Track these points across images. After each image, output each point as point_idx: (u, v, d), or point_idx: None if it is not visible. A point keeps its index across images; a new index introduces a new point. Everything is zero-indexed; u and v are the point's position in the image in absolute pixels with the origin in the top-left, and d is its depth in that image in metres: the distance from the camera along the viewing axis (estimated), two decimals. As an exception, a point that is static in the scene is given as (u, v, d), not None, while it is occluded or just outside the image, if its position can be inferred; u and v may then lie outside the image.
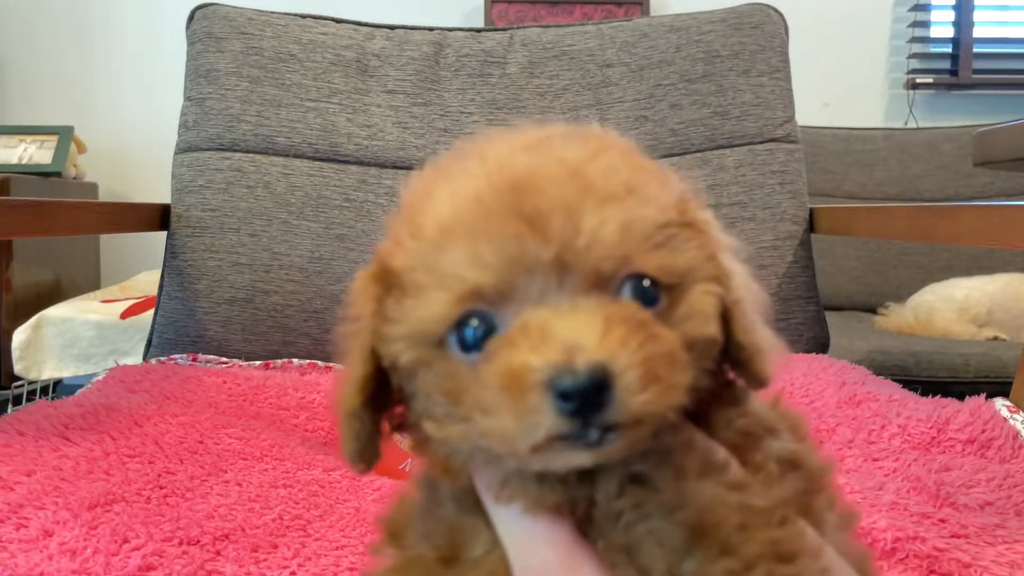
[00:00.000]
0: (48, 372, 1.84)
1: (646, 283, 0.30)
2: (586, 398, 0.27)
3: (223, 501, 0.69)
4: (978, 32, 2.90)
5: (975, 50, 2.88)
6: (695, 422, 0.33)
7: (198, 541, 0.61)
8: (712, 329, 0.32)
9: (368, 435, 0.34)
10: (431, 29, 1.43)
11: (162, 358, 1.25)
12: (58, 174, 2.41)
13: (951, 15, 2.90)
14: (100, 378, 1.08)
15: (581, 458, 0.29)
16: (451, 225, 0.31)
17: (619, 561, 0.31)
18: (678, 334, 0.30)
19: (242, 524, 0.65)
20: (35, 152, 2.43)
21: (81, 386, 1.06)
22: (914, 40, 2.86)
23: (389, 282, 0.33)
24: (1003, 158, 1.21)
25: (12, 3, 2.75)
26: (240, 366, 1.21)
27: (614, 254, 0.30)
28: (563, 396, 0.27)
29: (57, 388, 1.89)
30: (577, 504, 0.32)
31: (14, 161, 2.41)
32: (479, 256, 0.29)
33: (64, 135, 2.46)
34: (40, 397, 1.89)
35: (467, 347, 0.30)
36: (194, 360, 1.24)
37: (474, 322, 0.30)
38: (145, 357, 1.33)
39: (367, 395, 0.34)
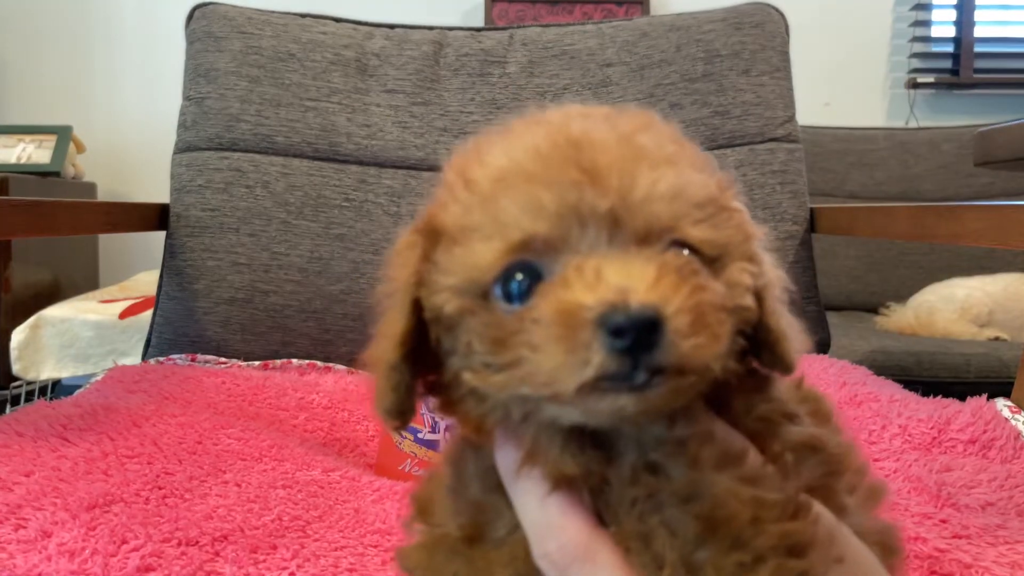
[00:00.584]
0: (47, 372, 1.84)
1: (687, 251, 0.31)
2: (637, 337, 0.28)
3: (222, 502, 0.69)
4: (979, 32, 2.90)
5: (976, 50, 2.88)
6: (717, 409, 0.34)
7: (197, 542, 0.61)
8: (749, 301, 0.33)
9: (406, 389, 0.34)
10: (431, 28, 1.42)
11: (161, 358, 1.25)
12: (57, 174, 2.41)
13: (952, 14, 2.90)
14: (99, 378, 1.08)
15: (625, 402, 0.29)
16: (508, 174, 0.31)
17: (634, 547, 0.32)
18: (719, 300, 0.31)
19: (241, 525, 0.65)
20: (34, 152, 2.43)
21: (80, 386, 1.06)
22: (915, 39, 2.86)
23: (436, 236, 0.33)
24: (1004, 158, 1.21)
25: (11, 3, 2.74)
26: (239, 366, 1.21)
27: (666, 212, 0.31)
28: (615, 333, 0.28)
29: (56, 388, 1.89)
30: (594, 480, 0.33)
31: (12, 161, 2.41)
32: (537, 201, 0.30)
33: (63, 135, 2.46)
34: (39, 397, 1.88)
35: (512, 298, 0.31)
36: (193, 360, 1.24)
37: (520, 275, 0.31)
38: (144, 357, 1.33)
39: (408, 349, 0.34)
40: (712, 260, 0.32)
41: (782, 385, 0.37)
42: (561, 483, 0.33)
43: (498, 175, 0.32)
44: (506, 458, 0.34)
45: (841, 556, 0.32)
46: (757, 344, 0.34)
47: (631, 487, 0.32)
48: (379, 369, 0.34)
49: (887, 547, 0.39)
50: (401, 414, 0.35)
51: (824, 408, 0.38)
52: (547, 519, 0.33)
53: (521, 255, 0.31)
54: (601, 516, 0.33)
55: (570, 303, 0.28)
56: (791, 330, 0.35)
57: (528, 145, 0.32)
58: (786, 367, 0.35)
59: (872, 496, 0.40)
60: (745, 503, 0.30)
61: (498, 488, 0.35)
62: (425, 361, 0.35)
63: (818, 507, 0.33)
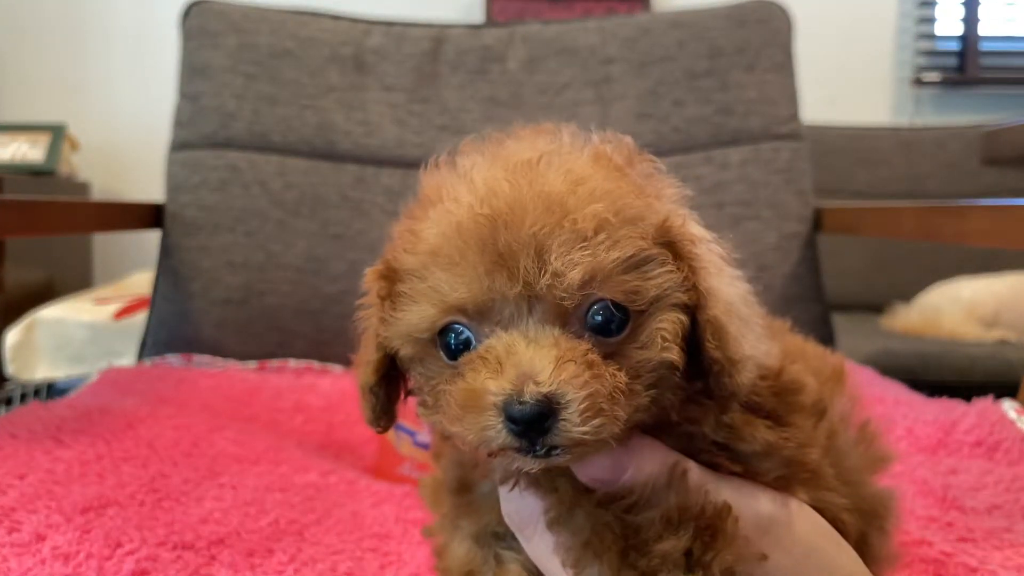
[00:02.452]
0: (40, 373, 1.83)
1: (611, 310, 0.35)
2: (531, 424, 0.32)
3: (218, 505, 0.68)
4: (985, 29, 2.90)
5: (982, 47, 2.88)
6: (687, 425, 0.39)
7: (192, 545, 0.61)
8: (671, 355, 0.35)
9: (383, 405, 0.42)
10: (430, 25, 1.41)
11: (156, 359, 1.24)
12: (51, 172, 2.40)
13: (958, 12, 2.90)
14: (93, 380, 1.07)
15: (531, 464, 0.35)
16: (437, 249, 0.36)
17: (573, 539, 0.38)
18: (638, 359, 0.35)
19: (237, 528, 0.65)
20: (27, 150, 2.41)
21: (74, 388, 1.05)
22: (920, 37, 2.86)
23: (393, 279, 0.39)
24: (1011, 156, 1.20)
25: (5, 0, 2.73)
26: (235, 368, 1.20)
27: (574, 293, 0.34)
28: (512, 420, 0.33)
29: (50, 390, 1.88)
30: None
31: (7, 159, 2.39)
32: (456, 283, 0.35)
33: (57, 133, 2.45)
34: (32, 399, 1.87)
35: (449, 351, 0.37)
36: (188, 361, 1.23)
37: (454, 333, 0.36)
38: (139, 358, 1.32)
39: (381, 374, 0.41)
40: (639, 312, 0.35)
41: (756, 386, 0.40)
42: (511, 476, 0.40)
43: (429, 247, 0.36)
44: None
45: (764, 555, 0.37)
46: (704, 369, 0.38)
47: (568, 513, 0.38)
48: (360, 390, 0.42)
49: (878, 512, 0.46)
50: (380, 422, 0.43)
51: (796, 402, 0.42)
52: (508, 495, 0.40)
53: (452, 318, 0.36)
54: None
55: (477, 389, 0.34)
56: (739, 356, 0.37)
57: (454, 220, 0.36)
58: (729, 394, 0.38)
59: (875, 463, 0.47)
60: (617, 533, 0.36)
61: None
62: (398, 376, 0.42)
63: (757, 508, 0.38)
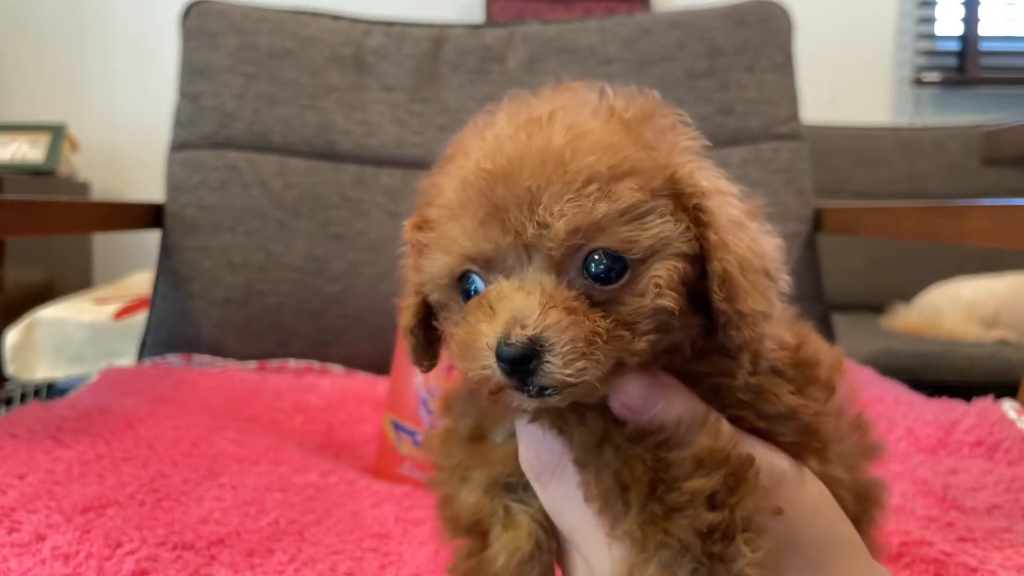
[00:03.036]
0: (40, 373, 1.82)
1: (608, 259, 0.36)
2: (517, 364, 0.35)
3: (218, 505, 0.68)
4: (985, 29, 2.90)
5: (982, 47, 2.88)
6: (718, 377, 0.40)
7: (192, 546, 0.61)
8: (665, 301, 0.36)
9: (423, 346, 0.44)
10: (430, 25, 1.41)
11: (156, 359, 1.24)
12: (51, 172, 2.40)
13: (958, 12, 2.90)
14: (93, 380, 1.07)
15: (528, 403, 0.37)
16: (449, 202, 0.38)
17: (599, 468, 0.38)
18: (636, 306, 0.36)
19: (237, 528, 0.64)
20: (27, 150, 2.41)
21: (74, 388, 1.05)
22: (920, 37, 2.86)
23: (422, 230, 0.41)
24: (1011, 156, 1.20)
25: (4, 0, 2.73)
26: (235, 368, 1.20)
27: (561, 244, 0.36)
28: (501, 359, 0.35)
29: (50, 390, 1.88)
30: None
31: (7, 159, 2.39)
32: (460, 233, 0.37)
33: (57, 133, 2.45)
34: (32, 399, 1.87)
35: (467, 298, 0.39)
36: (188, 361, 1.23)
37: (470, 279, 0.39)
38: (139, 358, 1.32)
39: (419, 318, 0.43)
40: (638, 260, 0.36)
41: (778, 354, 0.42)
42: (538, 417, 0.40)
43: (447, 198, 0.38)
44: None
45: (780, 508, 0.37)
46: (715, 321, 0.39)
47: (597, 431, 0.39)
48: (403, 331, 0.44)
49: (870, 499, 0.47)
50: (423, 362, 0.45)
51: (813, 375, 0.43)
52: (532, 430, 0.41)
53: (465, 266, 0.38)
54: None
55: (474, 331, 0.36)
56: (747, 309, 0.38)
57: (464, 174, 0.38)
58: (736, 346, 0.39)
59: (867, 452, 0.48)
60: (648, 466, 0.37)
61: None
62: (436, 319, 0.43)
63: (775, 464, 0.39)
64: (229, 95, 1.34)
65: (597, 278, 0.36)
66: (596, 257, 0.36)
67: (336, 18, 1.41)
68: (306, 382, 1.12)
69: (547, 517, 0.43)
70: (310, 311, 1.29)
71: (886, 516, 0.49)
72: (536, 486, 0.42)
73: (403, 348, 0.87)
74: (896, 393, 1.01)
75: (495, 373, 0.36)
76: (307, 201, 1.32)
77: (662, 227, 0.36)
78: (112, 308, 1.89)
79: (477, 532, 0.43)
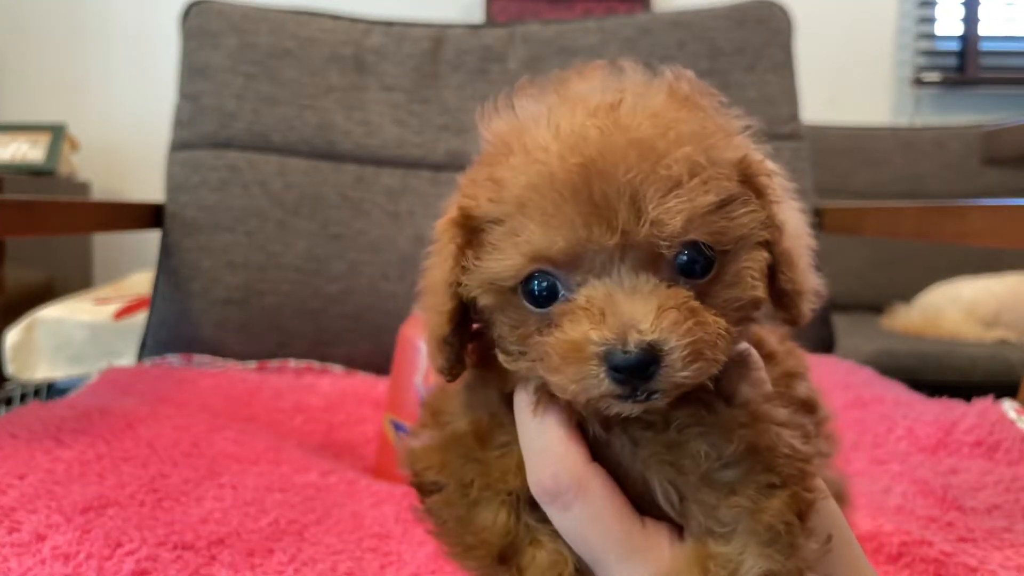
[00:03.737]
0: (40, 373, 1.82)
1: (699, 252, 0.35)
2: (634, 372, 0.33)
3: (218, 505, 0.68)
4: (985, 29, 2.89)
5: (982, 47, 2.88)
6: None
7: (192, 546, 0.61)
8: (757, 292, 0.36)
9: (456, 354, 0.40)
10: (430, 25, 1.41)
11: (156, 359, 1.24)
12: (51, 172, 2.40)
13: (958, 12, 2.90)
14: (93, 380, 1.07)
15: (629, 409, 0.35)
16: (525, 197, 0.35)
17: (657, 451, 0.37)
18: (725, 298, 0.36)
19: (237, 528, 0.64)
20: (27, 150, 2.41)
21: (74, 388, 1.05)
22: (920, 37, 2.86)
23: (470, 226, 0.38)
24: (1011, 156, 1.20)
25: (4, 0, 2.73)
26: (235, 368, 1.20)
27: (675, 241, 0.34)
28: (616, 368, 0.33)
29: (50, 390, 1.88)
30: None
31: (7, 159, 2.39)
32: (549, 233, 0.34)
33: (57, 133, 2.44)
34: (32, 399, 1.87)
35: (535, 300, 0.36)
36: (188, 361, 1.23)
37: (540, 280, 0.36)
38: (139, 358, 1.32)
39: (455, 324, 0.39)
40: (724, 252, 0.35)
41: (774, 341, 0.43)
42: (564, 413, 0.38)
43: (518, 193, 0.35)
44: (523, 398, 0.39)
45: (830, 535, 0.36)
46: (774, 299, 0.39)
47: (675, 410, 0.36)
48: (432, 339, 0.40)
49: (841, 497, 0.47)
50: (452, 372, 0.41)
51: (803, 364, 0.45)
52: (546, 448, 0.38)
53: (539, 266, 0.35)
54: (597, 451, 0.39)
55: (579, 339, 0.33)
56: (806, 288, 0.39)
57: (544, 169, 0.35)
58: (795, 321, 0.39)
59: (833, 447, 0.48)
60: (783, 440, 0.36)
61: (510, 400, 0.40)
62: (469, 321, 0.41)
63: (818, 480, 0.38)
64: (229, 95, 1.34)
65: (687, 272, 0.35)
66: (687, 252, 0.35)
67: (336, 18, 1.41)
68: (306, 382, 1.12)
69: None
70: (310, 311, 1.29)
71: (853, 511, 0.50)
72: (552, 509, 0.38)
73: (403, 349, 0.87)
74: (896, 393, 1.01)
75: (602, 383, 0.33)
76: (307, 201, 1.32)
77: (747, 216, 0.36)
78: (112, 308, 1.89)
79: (511, 556, 0.39)
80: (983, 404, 0.87)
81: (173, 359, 1.23)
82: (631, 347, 0.32)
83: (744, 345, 0.40)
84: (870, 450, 0.86)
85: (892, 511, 0.71)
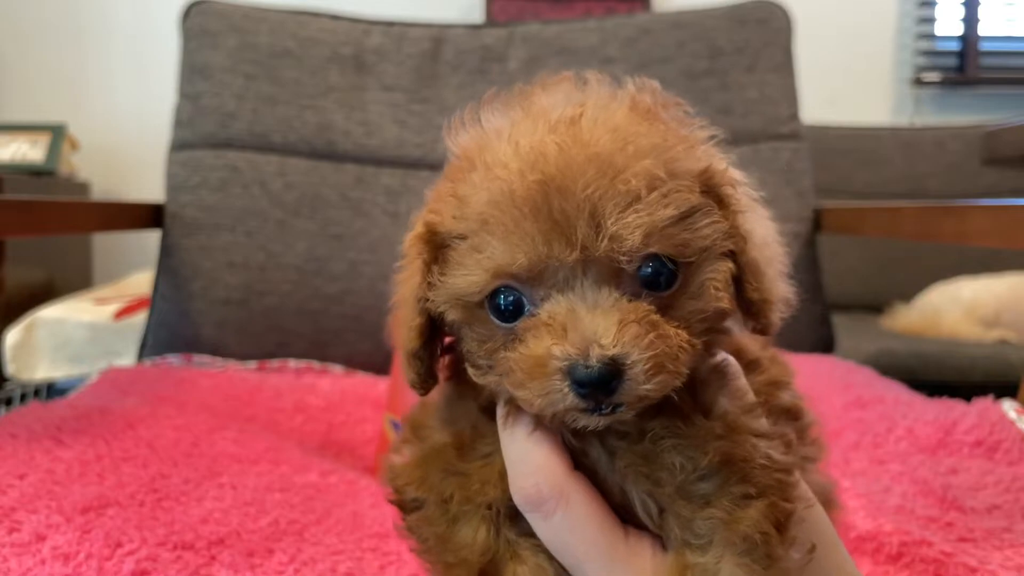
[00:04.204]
0: (40, 373, 1.82)
1: (661, 265, 0.35)
2: (597, 386, 0.33)
3: (218, 505, 0.68)
4: (985, 29, 2.89)
5: (982, 47, 2.88)
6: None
7: (192, 545, 0.61)
8: (721, 303, 0.36)
9: (427, 368, 0.41)
10: (429, 25, 1.41)
11: (156, 359, 1.24)
12: (51, 172, 2.40)
13: (958, 12, 2.90)
14: (93, 380, 1.07)
15: (595, 422, 0.35)
16: (488, 217, 0.35)
17: (633, 462, 0.37)
18: (690, 309, 0.36)
19: (237, 528, 0.64)
20: (28, 150, 2.41)
21: (74, 388, 1.05)
22: (920, 37, 2.86)
23: (435, 243, 0.38)
24: (1011, 156, 1.20)
25: (4, 0, 2.72)
26: (235, 368, 1.20)
27: (634, 256, 0.34)
28: (578, 383, 0.33)
29: (50, 390, 1.88)
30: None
31: (6, 159, 2.39)
32: (511, 250, 0.34)
33: (57, 133, 2.44)
34: (32, 399, 1.87)
35: (500, 315, 0.36)
36: (188, 361, 1.23)
37: (506, 295, 0.36)
38: (139, 358, 1.32)
39: (424, 339, 0.40)
40: (688, 263, 0.36)
41: (756, 348, 0.43)
42: (543, 425, 0.38)
43: (479, 210, 0.35)
44: (502, 409, 0.40)
45: (814, 544, 0.36)
46: (742, 309, 0.39)
47: (650, 420, 0.36)
48: (404, 353, 0.40)
49: (829, 502, 0.47)
50: (424, 385, 0.41)
51: (787, 371, 0.45)
52: (527, 458, 0.38)
53: (503, 282, 0.36)
54: (578, 460, 0.39)
55: (542, 355, 0.34)
56: (774, 298, 0.39)
57: (504, 187, 0.35)
58: (764, 331, 0.39)
59: (817, 455, 0.48)
60: (759, 451, 0.36)
61: (490, 411, 0.40)
62: (441, 338, 0.41)
63: (802, 486, 0.38)
64: (229, 95, 1.34)
65: (650, 285, 0.35)
66: (650, 265, 0.35)
67: (336, 18, 1.41)
68: (306, 382, 1.12)
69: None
70: (310, 311, 1.29)
71: (845, 514, 0.50)
72: (534, 518, 0.38)
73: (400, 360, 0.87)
74: (896, 393, 1.01)
75: (565, 397, 0.34)
76: (307, 201, 1.32)
77: (710, 227, 0.36)
78: (112, 308, 1.89)
79: (492, 574, 0.39)
80: (983, 404, 0.87)
81: (173, 359, 1.23)
82: (593, 362, 0.33)
83: (722, 356, 0.40)
84: (870, 450, 0.86)
85: (892, 511, 0.71)
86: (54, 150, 2.41)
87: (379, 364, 1.19)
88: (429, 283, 0.38)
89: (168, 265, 1.31)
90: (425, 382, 0.41)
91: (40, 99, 2.74)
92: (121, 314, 1.86)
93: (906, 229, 1.19)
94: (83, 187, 2.59)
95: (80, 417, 0.82)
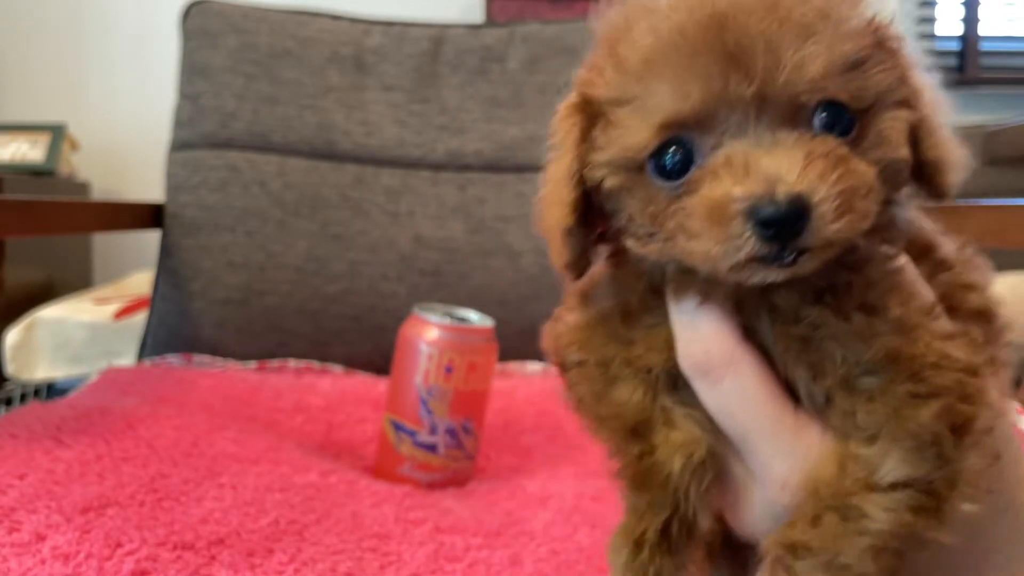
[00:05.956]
0: (40, 373, 1.82)
1: (838, 110, 0.33)
2: (784, 226, 0.30)
3: (218, 505, 0.68)
4: (985, 29, 2.89)
5: (982, 47, 2.88)
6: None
7: (192, 546, 0.61)
8: (902, 152, 0.34)
9: (582, 248, 0.39)
10: (429, 25, 1.41)
11: (156, 359, 1.24)
12: (51, 172, 2.39)
13: (958, 12, 2.90)
14: (93, 380, 1.07)
15: (775, 275, 0.32)
16: (654, 57, 0.33)
17: (791, 347, 0.35)
18: (870, 159, 0.33)
19: (237, 528, 0.64)
20: (27, 150, 2.41)
21: (74, 387, 1.05)
22: (920, 37, 2.86)
23: (591, 111, 0.36)
24: (1011, 156, 1.20)
25: (4, 0, 2.73)
26: (235, 368, 1.20)
27: (814, 87, 0.32)
28: (763, 223, 0.30)
29: (50, 390, 1.88)
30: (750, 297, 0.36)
31: (6, 159, 2.39)
32: (683, 89, 0.32)
33: (57, 133, 2.44)
34: (32, 399, 1.87)
35: (666, 174, 0.34)
36: (188, 361, 1.23)
37: (673, 150, 0.33)
38: (139, 358, 1.32)
39: (579, 214, 0.37)
40: (863, 111, 0.33)
41: (950, 247, 0.40)
42: (714, 304, 0.36)
43: (646, 56, 0.33)
44: (669, 284, 0.38)
45: (998, 453, 0.34)
46: (916, 172, 0.36)
47: (812, 305, 0.34)
48: (556, 233, 0.38)
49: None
50: (579, 267, 0.39)
51: (984, 276, 0.41)
52: (697, 326, 0.37)
53: (671, 133, 0.33)
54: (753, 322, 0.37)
55: (721, 197, 0.31)
56: (950, 157, 0.36)
57: (674, 25, 0.33)
58: (942, 195, 0.37)
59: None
60: (932, 348, 0.33)
61: (654, 290, 0.39)
62: (594, 216, 0.39)
63: (994, 384, 0.35)
64: (229, 95, 1.34)
65: (828, 132, 0.33)
66: (825, 111, 0.33)
67: (336, 18, 1.41)
68: (306, 382, 1.12)
69: (710, 421, 0.38)
70: (310, 311, 1.29)
71: None
72: (702, 385, 0.37)
73: (403, 349, 0.87)
74: (896, 393, 1.01)
75: (747, 243, 0.31)
76: (307, 201, 1.32)
77: (882, 74, 0.34)
78: (112, 308, 1.89)
79: (644, 433, 0.38)
80: (983, 404, 0.87)
81: (173, 359, 1.23)
82: (780, 197, 0.30)
83: (903, 259, 0.37)
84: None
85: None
86: (54, 150, 2.41)
87: (379, 364, 1.19)
88: (586, 152, 0.36)
89: (168, 265, 1.31)
90: (579, 261, 0.39)
91: (40, 99, 2.74)
92: (121, 314, 1.86)
93: (906, 229, 1.19)
94: (83, 187, 2.59)
95: (80, 417, 0.82)
